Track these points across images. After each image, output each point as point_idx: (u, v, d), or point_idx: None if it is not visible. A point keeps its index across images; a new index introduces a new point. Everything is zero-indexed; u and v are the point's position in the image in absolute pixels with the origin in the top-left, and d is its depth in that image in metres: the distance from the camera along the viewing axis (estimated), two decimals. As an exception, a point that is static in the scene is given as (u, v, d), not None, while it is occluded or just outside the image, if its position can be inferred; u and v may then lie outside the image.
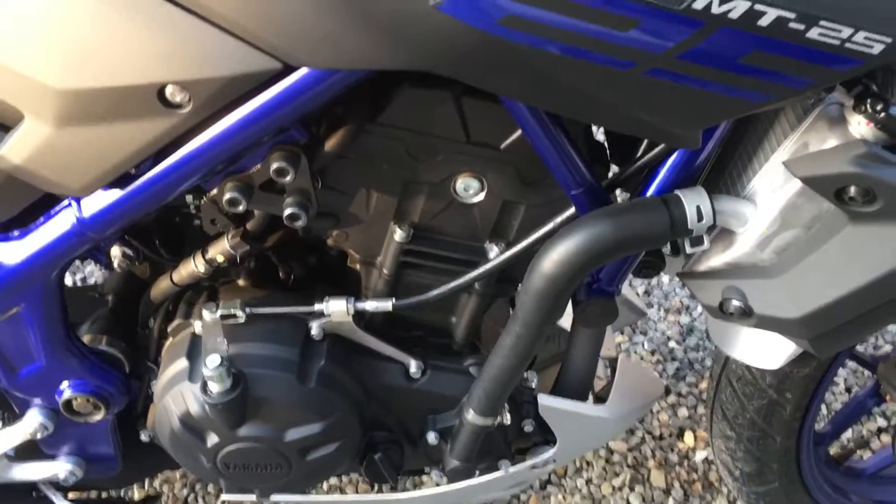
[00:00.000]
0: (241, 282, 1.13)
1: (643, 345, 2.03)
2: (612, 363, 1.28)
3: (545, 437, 1.23)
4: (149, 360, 1.16)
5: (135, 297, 1.18)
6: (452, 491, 1.32)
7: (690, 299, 2.14)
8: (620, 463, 1.80)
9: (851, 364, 1.98)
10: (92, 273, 2.18)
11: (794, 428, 1.33)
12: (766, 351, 1.18)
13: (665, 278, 2.19)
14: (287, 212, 0.92)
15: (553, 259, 0.88)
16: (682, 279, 0.99)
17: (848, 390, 1.94)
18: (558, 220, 0.96)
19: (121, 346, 1.15)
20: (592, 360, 1.18)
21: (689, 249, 0.89)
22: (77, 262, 2.11)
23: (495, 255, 1.02)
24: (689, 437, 1.85)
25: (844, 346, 0.92)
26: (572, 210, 0.95)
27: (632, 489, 1.75)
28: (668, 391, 1.93)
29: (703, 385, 1.95)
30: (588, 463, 1.80)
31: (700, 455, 1.82)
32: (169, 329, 1.12)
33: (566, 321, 1.20)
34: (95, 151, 0.84)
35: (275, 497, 1.27)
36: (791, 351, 1.15)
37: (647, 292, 2.17)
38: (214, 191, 0.94)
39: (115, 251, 1.10)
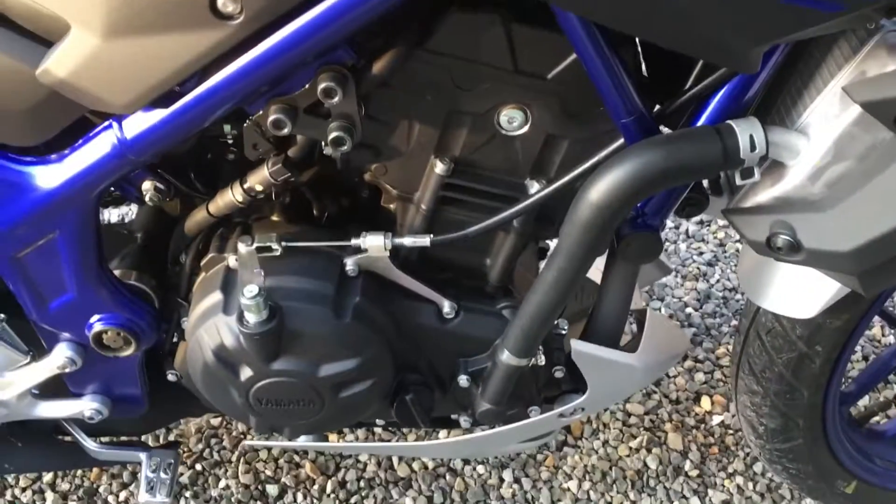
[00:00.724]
0: (274, 217, 1.12)
1: (660, 310, 2.03)
2: (640, 316, 1.27)
3: (574, 384, 1.22)
4: (179, 298, 1.15)
5: (165, 235, 1.17)
6: (476, 438, 1.32)
7: (707, 266, 2.13)
8: (637, 425, 1.80)
9: (869, 333, 1.98)
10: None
11: (822, 383, 1.32)
12: (799, 300, 1.17)
13: (682, 245, 2.18)
14: (332, 136, 0.91)
15: (601, 188, 0.87)
16: (728, 216, 0.98)
17: (865, 358, 1.94)
18: (602, 154, 0.95)
19: (150, 283, 1.14)
20: (624, 306, 1.17)
21: (738, 181, 0.88)
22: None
23: (536, 191, 1.01)
24: (705, 402, 1.85)
25: (892, 283, 0.92)
26: (617, 143, 0.94)
27: (649, 451, 1.75)
28: (685, 356, 1.93)
29: (720, 351, 1.94)
30: (605, 425, 1.80)
31: (717, 419, 1.81)
32: (201, 264, 1.11)
33: (593, 273, 1.19)
34: (142, 65, 0.83)
35: (300, 440, 1.26)
36: (826, 299, 1.14)
37: (663, 259, 2.16)
38: (258, 113, 0.92)
39: (147, 185, 1.09)
